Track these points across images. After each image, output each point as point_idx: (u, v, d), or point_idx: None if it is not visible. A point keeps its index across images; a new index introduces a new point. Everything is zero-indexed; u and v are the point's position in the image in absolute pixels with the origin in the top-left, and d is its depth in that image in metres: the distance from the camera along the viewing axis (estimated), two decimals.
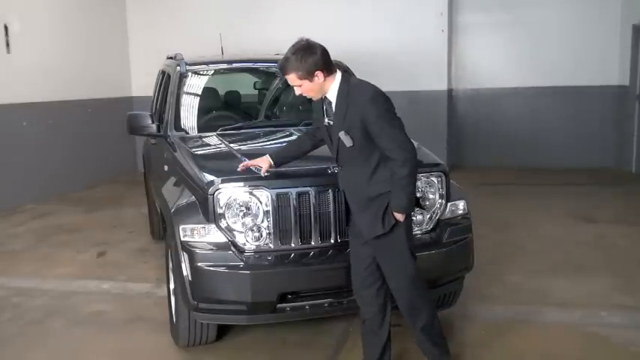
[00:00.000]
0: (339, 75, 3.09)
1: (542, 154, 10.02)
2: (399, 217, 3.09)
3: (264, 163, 3.49)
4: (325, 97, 3.14)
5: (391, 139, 3.00)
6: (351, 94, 3.04)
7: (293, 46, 3.02)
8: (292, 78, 3.04)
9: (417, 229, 3.70)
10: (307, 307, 3.53)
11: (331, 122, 3.15)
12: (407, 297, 3.23)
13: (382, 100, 3.03)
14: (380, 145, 3.03)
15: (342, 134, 3.05)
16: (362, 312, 3.37)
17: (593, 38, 9.77)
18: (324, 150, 4.57)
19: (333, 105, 3.10)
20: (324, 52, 3.03)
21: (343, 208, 3.56)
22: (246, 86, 6.27)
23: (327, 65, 3.02)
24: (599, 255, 5.58)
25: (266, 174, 3.49)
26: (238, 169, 3.55)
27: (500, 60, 10.26)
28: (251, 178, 3.55)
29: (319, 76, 3.01)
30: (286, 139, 4.60)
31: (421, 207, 3.42)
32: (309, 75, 3.00)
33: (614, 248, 5.79)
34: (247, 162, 3.56)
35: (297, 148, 3.62)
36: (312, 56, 2.98)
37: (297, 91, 3.11)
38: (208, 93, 5.46)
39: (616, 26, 9.67)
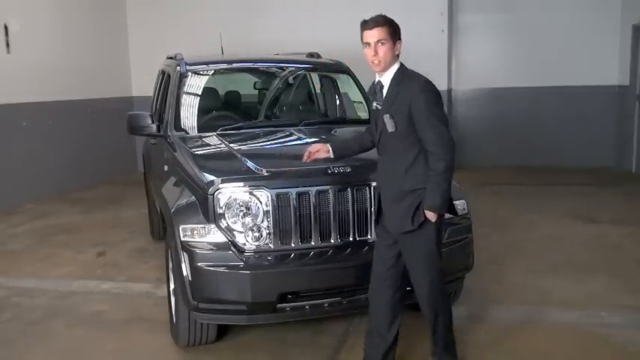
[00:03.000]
0: (399, 63, 3.15)
1: (542, 154, 10.01)
2: (431, 216, 3.06)
3: (323, 149, 3.50)
4: (379, 80, 3.17)
5: (434, 132, 3.01)
6: (405, 81, 3.09)
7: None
8: (383, 31, 3.06)
9: None
10: (307, 307, 3.53)
11: (378, 106, 3.17)
12: (429, 299, 3.22)
13: (433, 92, 3.08)
14: (422, 136, 3.03)
15: (386, 117, 3.07)
16: (372, 312, 3.36)
17: (593, 38, 9.77)
18: None
19: (385, 89, 3.13)
20: None
21: (343, 209, 3.57)
22: (246, 86, 6.27)
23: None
24: (599, 255, 5.58)
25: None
26: (304, 160, 3.53)
27: (500, 60, 10.26)
28: (251, 178, 3.56)
29: (398, 47, 3.10)
30: (286, 139, 4.62)
31: (454, 213, 3.30)
32: (395, 39, 3.09)
33: (614, 248, 5.79)
34: (309, 152, 3.54)
35: (358, 143, 3.60)
36: (399, 31, 3.13)
37: (372, 52, 3.07)
38: (208, 93, 5.46)
39: (616, 26, 9.67)
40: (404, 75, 3.12)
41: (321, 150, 3.51)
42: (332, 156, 3.52)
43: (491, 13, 10.20)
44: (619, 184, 8.75)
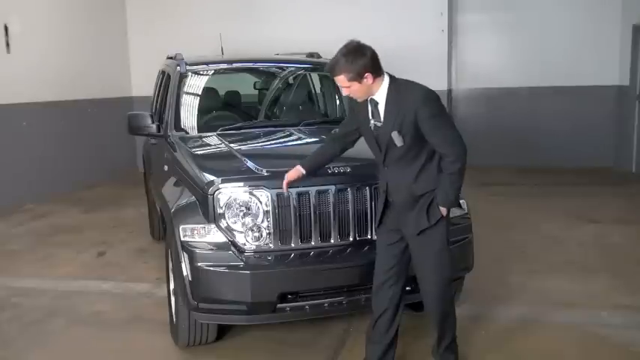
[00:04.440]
0: (387, 77, 3.12)
1: (542, 154, 10.01)
2: (443, 211, 3.13)
3: (295, 173, 3.46)
4: (372, 98, 3.14)
5: (445, 137, 3.05)
6: (402, 95, 3.06)
7: (344, 47, 3.04)
8: (341, 79, 3.04)
9: None
10: (307, 307, 3.53)
11: (377, 124, 3.15)
12: (439, 298, 3.25)
13: (434, 99, 3.07)
14: (433, 143, 3.06)
15: (394, 134, 3.06)
16: (374, 312, 3.37)
17: (593, 38, 9.77)
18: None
19: (382, 106, 3.11)
20: (374, 54, 3.04)
21: (343, 208, 3.57)
22: (246, 86, 6.27)
23: (376, 68, 3.05)
24: (600, 255, 5.58)
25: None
26: (284, 191, 3.45)
27: (500, 60, 10.26)
28: (251, 178, 3.56)
29: (368, 78, 3.02)
30: (286, 139, 4.62)
31: (460, 206, 3.35)
32: (359, 77, 3.01)
33: (614, 248, 5.79)
34: (285, 180, 3.45)
35: (326, 152, 3.58)
36: (362, 58, 3.00)
37: (345, 92, 3.13)
38: (208, 93, 5.46)
39: (616, 26, 9.67)
40: (399, 89, 3.08)
41: (293, 175, 3.46)
42: (304, 172, 3.48)
43: (492, 13, 10.20)
44: (619, 184, 8.75)
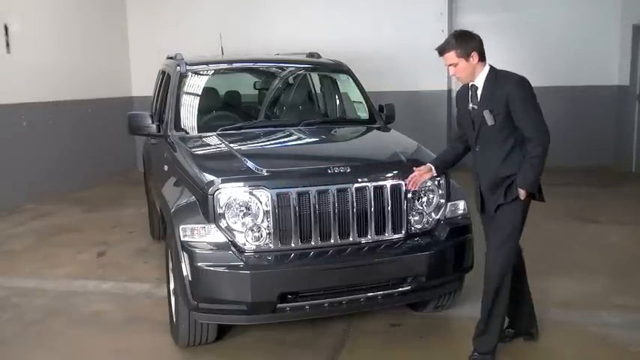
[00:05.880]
0: (487, 65, 3.40)
1: None
2: (522, 193, 3.32)
3: (425, 169, 3.67)
4: (472, 84, 3.40)
5: (532, 121, 3.27)
6: (499, 79, 3.34)
7: (455, 31, 3.43)
8: (450, 56, 3.33)
9: (417, 228, 3.74)
10: (307, 307, 3.53)
11: (475, 106, 3.40)
12: (497, 276, 3.39)
13: (527, 85, 3.33)
14: (520, 126, 3.28)
15: (486, 112, 3.30)
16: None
17: (593, 38, 9.77)
18: (323, 150, 4.59)
19: (480, 89, 3.37)
20: (481, 40, 3.37)
21: (343, 208, 3.57)
22: (246, 86, 6.27)
23: (482, 51, 3.36)
24: (599, 255, 5.58)
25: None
26: (409, 187, 3.64)
27: (500, 60, 10.13)
28: (251, 178, 3.56)
29: (474, 57, 3.31)
30: (286, 139, 4.62)
31: (542, 199, 3.47)
32: (466, 55, 3.30)
33: (614, 248, 5.79)
34: (414, 174, 3.64)
35: (451, 152, 3.81)
36: (472, 41, 3.34)
37: (451, 72, 3.40)
38: (208, 93, 5.46)
39: (616, 26, 9.67)
40: (496, 75, 3.36)
41: (424, 174, 3.66)
42: (435, 174, 3.69)
43: (491, 14, 10.19)
44: (619, 184, 8.75)
